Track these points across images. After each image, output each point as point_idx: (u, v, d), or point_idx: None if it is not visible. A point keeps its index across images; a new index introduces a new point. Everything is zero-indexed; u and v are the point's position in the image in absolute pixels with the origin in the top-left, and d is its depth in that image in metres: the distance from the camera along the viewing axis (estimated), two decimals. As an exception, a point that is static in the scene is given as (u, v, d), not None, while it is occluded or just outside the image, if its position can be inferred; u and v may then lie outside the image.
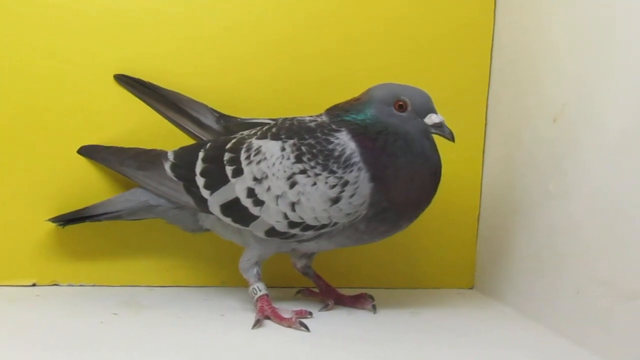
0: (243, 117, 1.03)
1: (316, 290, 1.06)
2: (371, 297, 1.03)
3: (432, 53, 1.14)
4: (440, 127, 0.92)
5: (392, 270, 1.15)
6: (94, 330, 0.87)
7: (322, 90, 1.10)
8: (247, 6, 1.09)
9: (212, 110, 1.04)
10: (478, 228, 1.17)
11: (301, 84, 1.10)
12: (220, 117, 1.03)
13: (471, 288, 1.18)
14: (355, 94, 0.97)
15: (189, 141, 1.04)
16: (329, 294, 1.04)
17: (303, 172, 0.90)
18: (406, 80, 0.96)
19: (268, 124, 0.98)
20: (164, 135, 1.05)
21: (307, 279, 1.06)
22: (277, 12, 1.10)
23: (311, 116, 0.97)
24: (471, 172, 1.16)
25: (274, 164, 0.92)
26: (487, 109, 1.16)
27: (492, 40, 1.15)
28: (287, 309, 0.95)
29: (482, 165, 1.16)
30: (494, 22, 1.15)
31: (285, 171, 0.91)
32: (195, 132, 1.04)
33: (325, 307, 1.01)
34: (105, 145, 1.04)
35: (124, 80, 1.05)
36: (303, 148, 0.91)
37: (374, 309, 1.01)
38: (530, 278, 1.02)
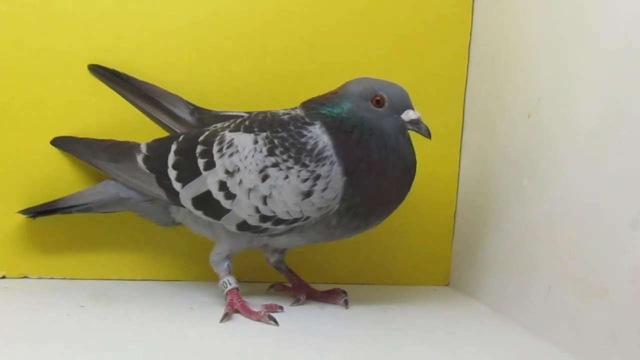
0: (218, 110, 1.02)
1: (289, 285, 1.05)
2: (344, 293, 1.02)
3: (409, 48, 1.14)
4: (417, 123, 0.91)
5: (367, 266, 1.15)
6: (59, 322, 0.86)
7: (297, 84, 1.09)
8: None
9: (187, 103, 1.03)
10: (454, 225, 1.17)
11: (276, 77, 1.09)
12: (195, 109, 1.03)
13: (447, 285, 1.18)
14: (331, 88, 0.96)
15: (163, 133, 1.04)
16: (301, 289, 1.03)
17: (275, 165, 0.90)
18: (383, 75, 0.95)
19: (242, 116, 0.97)
20: (138, 128, 1.04)
21: (280, 274, 1.05)
22: (253, 3, 1.09)
23: (286, 109, 0.96)
24: (448, 168, 1.16)
25: (246, 157, 0.91)
26: (464, 104, 1.16)
27: (470, 35, 1.15)
28: (258, 303, 0.94)
29: (459, 161, 1.16)
30: (472, 18, 1.15)
31: (257, 164, 0.90)
32: (169, 125, 1.03)
33: (297, 302, 1.00)
34: (78, 137, 1.03)
35: (98, 71, 1.04)
36: (275, 141, 0.90)
37: (346, 304, 1.00)
38: (504, 275, 1.02)
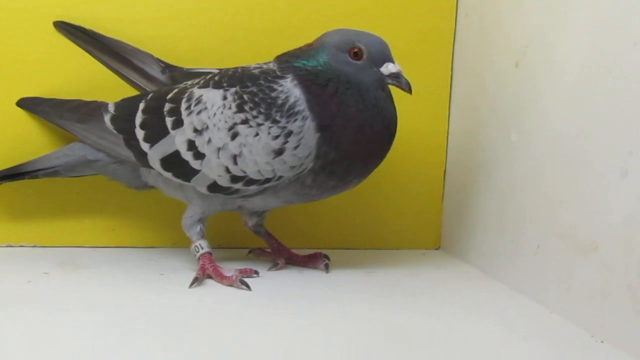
0: (190, 67, 0.97)
1: (268, 250, 1.00)
2: (326, 257, 0.98)
3: (393, 1, 1.08)
4: (397, 77, 0.86)
5: (353, 230, 1.10)
6: (19, 289, 0.82)
7: (273, 38, 1.04)
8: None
9: (158, 61, 0.98)
10: (444, 185, 1.11)
11: (252, 32, 1.04)
12: (166, 67, 0.98)
13: (437, 249, 1.13)
14: (308, 42, 0.90)
15: (133, 93, 0.99)
16: (280, 254, 0.99)
17: (245, 122, 0.85)
18: (366, 28, 0.90)
19: (213, 73, 0.92)
20: (108, 87, 1.00)
21: (260, 239, 1.00)
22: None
23: (258, 64, 0.91)
24: (437, 125, 1.10)
25: (214, 114, 0.86)
26: (453, 57, 1.10)
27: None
28: (233, 268, 0.90)
29: (449, 118, 1.10)
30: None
31: (226, 122, 0.85)
32: (140, 84, 0.99)
33: (275, 267, 0.96)
34: (44, 97, 0.98)
35: (65, 28, 0.99)
36: (245, 96, 0.85)
37: (327, 268, 0.96)
38: (493, 235, 0.97)
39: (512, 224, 0.92)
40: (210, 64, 0.98)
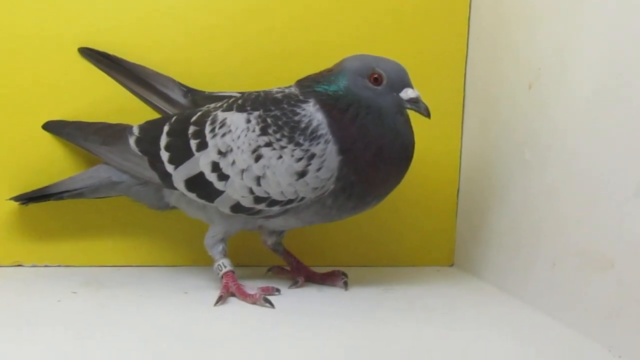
0: (211, 91, 1.00)
1: (287, 268, 1.03)
2: (344, 274, 1.00)
3: (406, 22, 1.11)
4: (415, 102, 0.89)
5: (368, 247, 1.12)
6: (50, 308, 0.84)
7: (291, 62, 1.06)
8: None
9: (180, 85, 1.01)
10: (457, 202, 1.14)
11: (270, 56, 1.07)
12: (188, 91, 1.00)
13: (451, 265, 1.15)
14: (326, 66, 0.93)
15: (155, 116, 1.01)
16: (299, 271, 1.01)
17: (268, 144, 0.87)
18: (380, 51, 0.93)
19: (235, 96, 0.95)
20: (130, 110, 1.02)
21: (278, 257, 1.02)
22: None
23: (280, 88, 0.93)
24: (449, 145, 1.13)
25: (239, 137, 0.89)
26: (465, 78, 1.13)
27: (470, 7, 1.12)
28: (254, 286, 0.92)
29: (461, 137, 1.13)
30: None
31: (250, 144, 0.88)
32: (162, 107, 1.01)
33: (295, 284, 0.98)
34: (69, 120, 1.01)
35: (89, 54, 1.02)
36: (269, 120, 0.88)
37: (346, 285, 0.98)
38: (508, 252, 0.99)
39: (527, 241, 0.94)
40: (231, 88, 1.01)
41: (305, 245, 1.07)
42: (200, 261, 1.05)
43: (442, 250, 1.14)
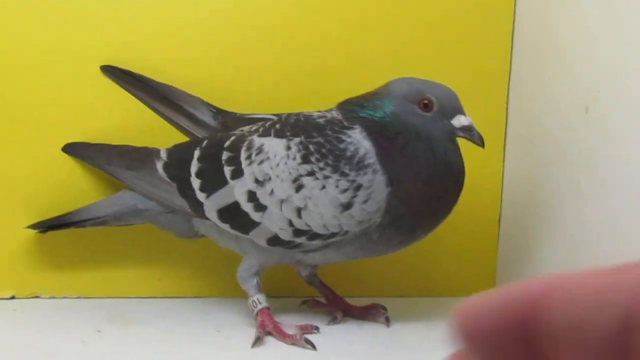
0: (241, 112, 0.94)
1: (322, 300, 0.97)
2: (383, 308, 0.94)
3: (444, 38, 1.04)
4: (469, 130, 0.83)
5: (406, 277, 1.06)
6: (75, 350, 0.79)
7: (328, 81, 1.00)
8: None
9: (209, 105, 0.94)
10: (499, 231, 1.08)
11: (304, 74, 1.00)
12: (218, 112, 0.94)
13: (492, 295, 1.09)
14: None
15: (182, 138, 0.95)
16: (336, 305, 0.95)
17: (311, 174, 0.81)
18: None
19: (270, 119, 0.89)
20: (156, 132, 0.96)
21: (312, 288, 0.96)
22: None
23: (320, 111, 0.87)
24: (491, 167, 1.06)
25: (277, 165, 0.83)
26: (507, 99, 1.06)
27: (513, 22, 1.05)
28: (290, 323, 0.86)
29: (503, 159, 1.07)
30: (515, 1, 1.05)
31: (290, 172, 0.82)
32: (189, 129, 0.94)
33: (333, 320, 0.92)
34: (91, 142, 0.95)
35: (112, 72, 0.96)
36: (311, 147, 0.82)
37: (387, 321, 0.92)
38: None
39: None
40: (264, 109, 0.95)
41: (340, 275, 1.01)
42: (228, 292, 0.99)
43: (483, 279, 1.08)
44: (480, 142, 0.83)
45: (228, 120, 0.93)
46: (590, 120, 0.88)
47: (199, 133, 0.94)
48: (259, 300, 0.87)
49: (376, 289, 1.05)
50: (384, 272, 1.05)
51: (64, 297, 0.98)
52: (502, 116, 1.07)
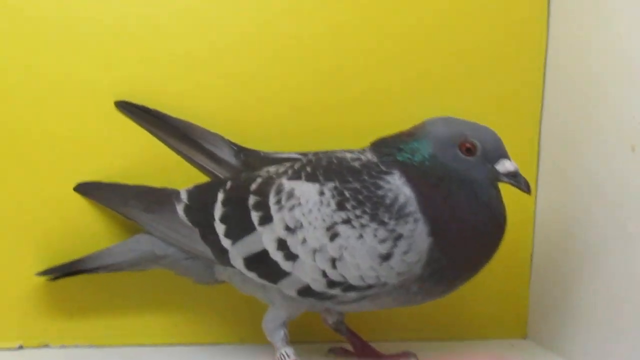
0: (262, 148, 0.89)
1: (350, 349, 0.92)
2: (414, 356, 0.90)
3: (473, 71, 1.00)
4: (514, 176, 0.78)
5: (434, 320, 1.02)
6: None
7: (350, 114, 0.96)
8: (259, 17, 0.95)
9: (230, 143, 0.90)
10: (531, 270, 1.04)
11: (326, 107, 0.96)
12: (240, 150, 0.89)
13: (524, 338, 1.05)
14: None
15: (202, 177, 0.90)
16: (365, 354, 0.90)
17: (347, 221, 0.76)
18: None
19: (298, 159, 0.84)
20: (174, 171, 0.91)
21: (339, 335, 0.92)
22: (301, 21, 0.96)
23: (352, 152, 0.82)
24: (522, 205, 1.01)
25: (310, 211, 0.77)
26: (540, 130, 1.02)
27: (546, 52, 1.01)
28: (319, 375, 0.82)
29: (535, 198, 1.03)
30: (548, 28, 1.01)
31: (324, 220, 0.77)
32: (209, 168, 0.90)
33: (363, 371, 0.87)
34: (105, 182, 0.90)
35: (127, 108, 0.91)
36: (346, 193, 0.77)
37: (419, 370, 0.88)
38: (590, 327, 0.90)
39: (619, 317, 0.85)
40: (288, 145, 0.91)
41: (366, 318, 0.96)
42: (248, 339, 0.96)
43: (514, 321, 1.04)
44: (526, 188, 0.78)
45: (250, 159, 0.88)
46: (638, 160, 0.84)
47: (219, 172, 0.89)
48: (287, 353, 0.82)
49: (405, 332, 1.01)
50: (413, 315, 1.00)
51: (75, 346, 0.93)
52: (534, 150, 1.03)
